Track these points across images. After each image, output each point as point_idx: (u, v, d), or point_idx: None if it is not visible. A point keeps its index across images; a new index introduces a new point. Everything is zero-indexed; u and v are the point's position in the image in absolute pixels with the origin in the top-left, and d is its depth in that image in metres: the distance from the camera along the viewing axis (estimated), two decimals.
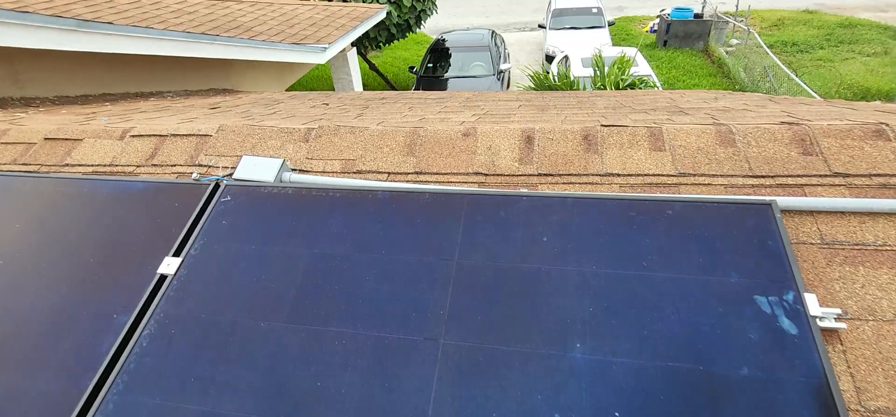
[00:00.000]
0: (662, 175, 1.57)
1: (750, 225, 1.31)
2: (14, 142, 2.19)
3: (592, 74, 6.60)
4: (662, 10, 14.75)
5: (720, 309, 1.18)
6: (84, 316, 1.39)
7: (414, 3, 11.07)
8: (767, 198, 1.36)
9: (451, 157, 1.76)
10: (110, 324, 1.36)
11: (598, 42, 11.05)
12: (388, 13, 10.39)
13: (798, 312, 1.15)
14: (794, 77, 9.73)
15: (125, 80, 5.43)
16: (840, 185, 1.45)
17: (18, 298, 1.47)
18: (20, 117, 2.89)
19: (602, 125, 1.74)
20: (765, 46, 11.00)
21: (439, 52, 12.05)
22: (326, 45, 7.20)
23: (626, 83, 5.81)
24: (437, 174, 1.73)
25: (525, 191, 1.57)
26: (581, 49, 10.84)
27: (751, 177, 1.51)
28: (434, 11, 12.37)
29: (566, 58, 10.47)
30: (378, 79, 13.30)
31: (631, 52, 7.14)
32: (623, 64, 6.04)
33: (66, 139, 2.15)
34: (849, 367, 1.14)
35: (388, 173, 1.77)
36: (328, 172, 1.81)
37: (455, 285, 1.32)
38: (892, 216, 1.35)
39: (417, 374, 1.17)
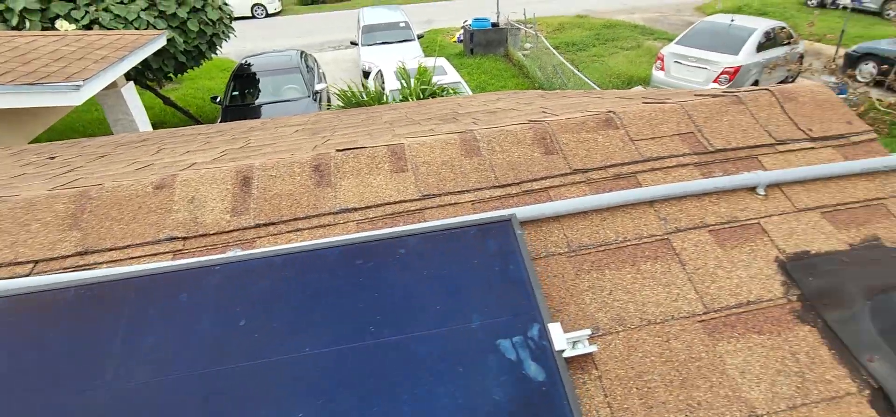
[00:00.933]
0: (405, 201, 1.31)
1: (491, 250, 1.10)
2: None
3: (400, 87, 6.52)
4: (465, 21, 15.77)
5: (461, 369, 0.93)
6: None
7: (201, 27, 9.86)
8: (507, 212, 1.18)
9: (134, 223, 1.27)
10: None
11: (411, 55, 11.23)
12: (170, 40, 9.06)
13: (544, 349, 0.95)
14: (576, 72, 11.13)
15: None
16: (581, 183, 1.35)
17: None
18: None
19: (337, 150, 1.43)
20: (551, 48, 12.43)
21: (246, 79, 11.01)
22: (80, 83, 5.84)
23: (428, 92, 5.82)
24: (112, 250, 1.22)
25: (231, 253, 1.16)
26: (394, 63, 10.88)
27: (497, 187, 1.34)
28: (231, 35, 11.23)
29: (380, 72, 10.39)
30: (178, 115, 11.61)
31: (430, 61, 7.28)
32: (423, 74, 6.05)
33: None
34: (606, 396, 0.99)
35: (35, 262, 1.20)
36: None
37: None
38: (627, 208, 1.29)
39: None
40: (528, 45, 14.76)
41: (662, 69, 9.93)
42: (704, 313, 1.10)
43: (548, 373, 0.92)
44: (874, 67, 10.35)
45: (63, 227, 1.26)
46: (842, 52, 11.33)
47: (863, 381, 1.00)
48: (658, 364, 1.03)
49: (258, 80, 11.07)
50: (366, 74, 12.16)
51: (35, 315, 1.01)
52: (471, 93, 9.71)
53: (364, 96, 6.48)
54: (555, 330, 0.97)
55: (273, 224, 1.27)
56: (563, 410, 0.88)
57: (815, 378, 1.01)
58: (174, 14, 9.57)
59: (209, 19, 10.24)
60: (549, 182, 1.35)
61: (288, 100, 10.55)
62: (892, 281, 1.11)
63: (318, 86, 10.86)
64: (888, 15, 14.71)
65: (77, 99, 5.86)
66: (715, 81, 9.08)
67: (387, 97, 6.89)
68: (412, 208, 1.30)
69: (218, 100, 10.81)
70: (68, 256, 1.21)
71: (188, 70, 10.30)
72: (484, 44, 14.70)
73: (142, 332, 0.98)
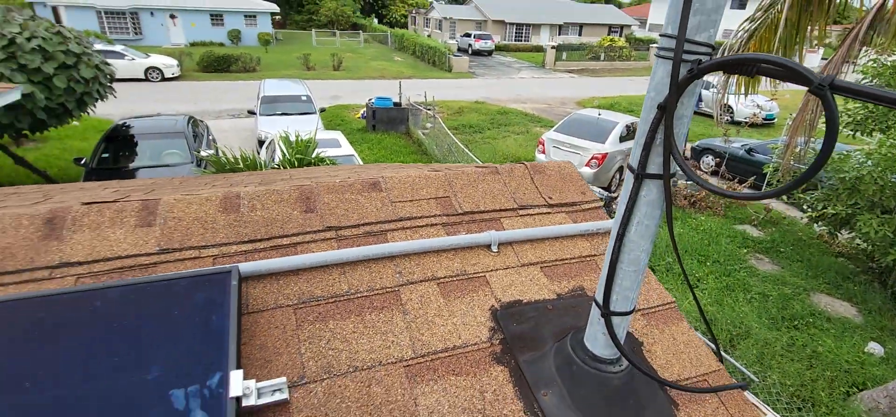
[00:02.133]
0: (141, 255, 1.28)
1: (199, 303, 1.10)
2: None
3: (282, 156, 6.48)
4: (369, 99, 16.31)
5: None
6: None
7: (71, 84, 9.16)
8: (228, 267, 1.20)
9: None
10: None
11: (309, 128, 11.25)
12: (29, 95, 8.28)
13: (218, 397, 0.95)
14: (467, 151, 11.89)
15: None
16: (331, 239, 1.42)
17: None
18: None
19: (82, 203, 1.37)
20: (447, 129, 13.23)
21: (121, 141, 10.25)
22: None
23: (306, 162, 5.84)
24: None
25: None
26: (291, 134, 10.82)
27: (246, 242, 1.36)
28: (111, 95, 10.53)
29: (273, 141, 10.26)
30: (32, 177, 10.37)
31: (327, 134, 7.36)
32: (301, 144, 6.10)
33: None
34: None
35: None
36: None
37: None
38: (368, 262, 1.37)
39: None
40: (428, 125, 15.52)
41: (543, 152, 10.92)
42: (412, 358, 1.18)
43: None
44: (713, 159, 12.26)
45: None
46: (688, 146, 13.33)
47: (534, 414, 1.11)
48: (354, 409, 1.06)
49: (136, 143, 10.37)
50: (261, 143, 11.96)
51: None
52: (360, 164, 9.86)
53: (239, 162, 6.32)
54: (234, 377, 0.98)
55: None
56: None
57: (494, 414, 1.10)
58: (38, 68, 8.83)
59: (81, 77, 9.56)
60: (301, 238, 1.40)
61: (167, 166, 9.95)
62: (578, 323, 1.28)
63: (204, 152, 10.41)
64: (722, 119, 17.72)
65: None
66: (586, 165, 10.16)
67: (268, 165, 6.78)
68: (147, 262, 1.27)
69: (83, 162, 9.89)
70: None
71: (49, 128, 9.39)
72: (386, 121, 15.22)
73: None
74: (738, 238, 8.75)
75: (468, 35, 38.29)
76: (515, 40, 42.67)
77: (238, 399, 0.96)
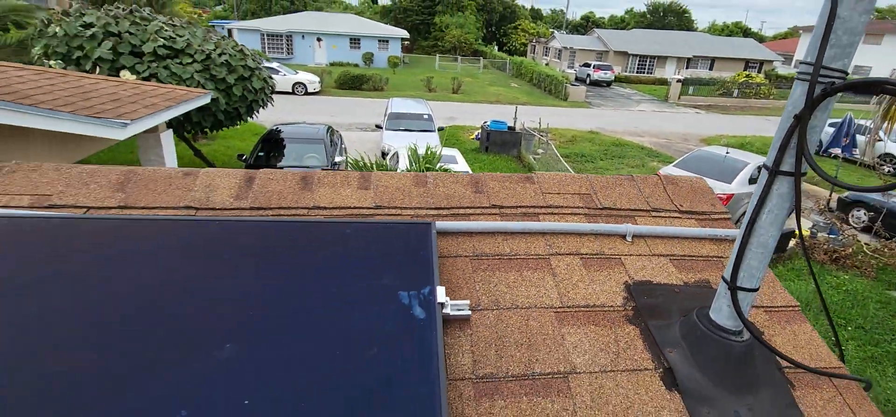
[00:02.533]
0: (363, 207, 1.77)
1: (412, 241, 1.54)
2: None
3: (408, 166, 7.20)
4: (484, 121, 16.99)
5: (372, 305, 1.33)
6: None
7: (245, 92, 10.99)
8: (428, 221, 1.63)
9: (164, 193, 1.75)
10: None
11: (430, 144, 12.14)
12: (214, 100, 10.11)
13: (430, 302, 1.35)
14: None
15: None
16: (495, 214, 1.80)
17: None
18: None
19: (322, 168, 1.92)
20: (559, 156, 13.37)
21: (273, 143, 11.97)
22: (127, 122, 6.67)
23: (431, 171, 6.48)
24: (145, 208, 1.69)
25: (210, 217, 1.62)
26: (417, 148, 11.78)
27: (433, 209, 1.80)
28: (270, 104, 12.41)
29: (396, 154, 11.25)
30: (204, 167, 12.51)
31: (445, 151, 7.99)
32: (428, 155, 6.74)
33: None
34: (472, 345, 1.37)
35: (87, 208, 1.67)
36: (11, 206, 1.63)
37: (113, 299, 1.26)
38: (524, 234, 1.72)
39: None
40: (540, 151, 15.73)
41: None
42: (560, 307, 1.50)
43: (428, 315, 1.32)
44: (865, 214, 10.81)
45: (112, 189, 1.75)
46: (834, 196, 11.88)
47: (659, 363, 1.36)
48: (515, 333, 1.41)
49: (285, 145, 12.00)
50: (384, 154, 13.10)
51: (85, 237, 1.47)
52: None
53: (373, 167, 7.15)
54: (439, 290, 1.38)
55: (263, 209, 1.74)
56: (433, 339, 1.27)
57: (626, 357, 1.37)
58: (223, 79, 10.70)
59: (253, 87, 11.41)
60: (473, 210, 1.81)
61: (307, 167, 11.35)
62: (702, 305, 1.50)
63: (337, 158, 11.72)
64: (882, 171, 15.44)
65: (121, 134, 6.65)
66: None
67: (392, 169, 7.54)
68: (367, 213, 1.75)
69: (243, 157, 11.70)
70: (112, 208, 1.68)
71: (224, 128, 11.31)
72: (499, 144, 15.72)
73: (157, 251, 1.41)
74: (893, 304, 7.66)
75: (587, 65, 37.83)
76: (637, 72, 41.12)
77: (441, 305, 1.36)
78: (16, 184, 1.72)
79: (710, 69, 40.46)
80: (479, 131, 16.92)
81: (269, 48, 32.88)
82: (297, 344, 1.22)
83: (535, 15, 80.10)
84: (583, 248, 1.70)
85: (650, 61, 41.05)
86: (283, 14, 42.93)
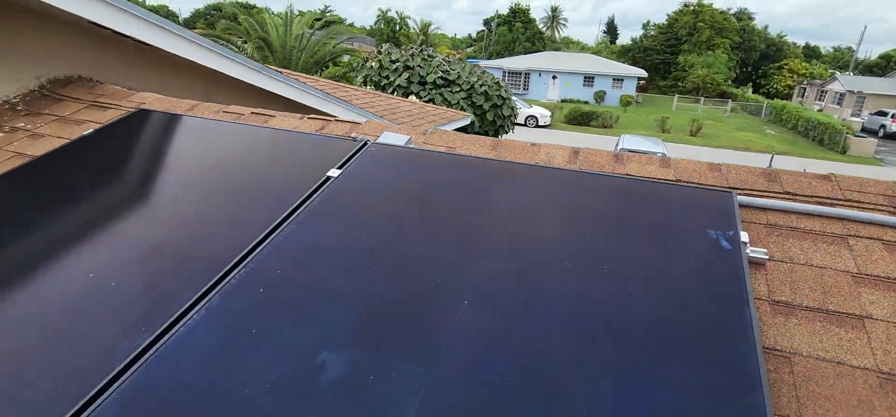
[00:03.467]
0: (666, 180, 2.29)
1: (714, 200, 1.99)
2: (232, 112, 3.31)
3: None
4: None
5: (686, 237, 1.84)
6: (290, 183, 2.29)
7: (495, 118, 12.63)
8: (729, 189, 2.04)
9: (520, 154, 2.59)
10: (301, 190, 2.23)
11: None
12: (471, 122, 11.95)
13: (734, 239, 1.78)
14: None
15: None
16: (787, 199, 2.09)
17: (266, 180, 2.41)
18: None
19: (629, 151, 2.51)
20: None
21: None
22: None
23: None
24: (509, 161, 2.55)
25: (555, 167, 2.34)
26: None
27: (726, 189, 2.19)
28: (511, 130, 13.92)
29: None
30: None
31: None
32: None
33: (264, 114, 3.24)
34: (767, 281, 1.74)
35: (475, 157, 2.62)
36: (436, 149, 2.69)
37: (487, 216, 2.08)
38: (820, 217, 1.97)
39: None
40: None
41: None
42: (856, 273, 1.73)
43: (733, 247, 1.75)
44: None
45: (489, 148, 2.67)
46: None
47: None
48: (809, 281, 1.71)
49: None
50: None
51: (482, 167, 2.36)
52: None
53: None
54: (744, 235, 1.79)
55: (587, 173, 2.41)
56: (738, 260, 1.69)
57: None
58: (480, 105, 12.51)
59: (502, 115, 13.01)
60: (765, 194, 2.13)
61: None
62: None
63: None
64: None
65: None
66: None
67: None
68: (670, 184, 2.26)
69: None
70: (490, 157, 2.59)
71: None
72: None
73: (521, 182, 2.21)
74: None
75: (883, 113, 30.06)
76: None
77: (745, 244, 1.77)
78: (434, 139, 2.80)
79: None
80: None
81: (508, 84, 36.54)
82: (637, 256, 1.81)
83: (811, 53, 67.22)
84: (885, 236, 1.86)
85: None
86: (524, 54, 46.70)
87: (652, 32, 57.91)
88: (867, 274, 1.72)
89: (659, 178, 2.30)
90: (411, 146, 2.68)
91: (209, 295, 1.68)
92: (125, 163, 2.62)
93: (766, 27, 58.40)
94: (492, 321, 1.54)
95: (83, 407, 1.35)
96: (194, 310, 1.63)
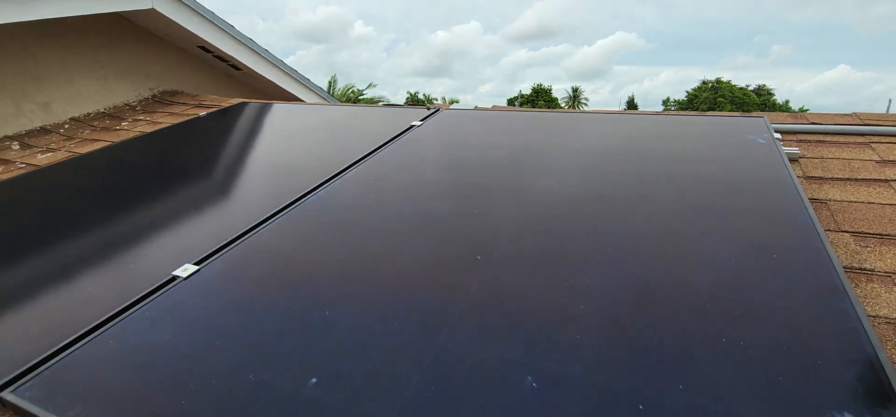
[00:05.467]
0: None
1: (751, 121, 2.33)
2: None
3: None
4: None
5: (732, 141, 2.18)
6: (382, 131, 2.73)
7: None
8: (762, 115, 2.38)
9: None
10: (391, 133, 2.67)
11: None
12: None
13: (769, 138, 2.10)
14: None
15: None
16: (816, 123, 2.41)
17: (363, 130, 2.88)
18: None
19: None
20: None
21: None
22: None
23: None
24: None
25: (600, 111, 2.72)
26: None
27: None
28: None
29: None
30: None
31: None
32: None
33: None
34: (801, 168, 2.03)
35: (530, 111, 3.03)
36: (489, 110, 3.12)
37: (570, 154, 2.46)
38: (841, 133, 2.28)
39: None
40: None
41: None
42: (879, 160, 2.01)
43: (768, 143, 2.07)
44: None
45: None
46: None
47: None
48: (837, 166, 2.00)
49: None
50: None
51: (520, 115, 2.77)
52: None
53: None
54: (777, 136, 2.12)
55: None
56: (775, 148, 2.01)
57: None
58: None
59: None
60: (797, 122, 2.46)
61: None
62: None
63: None
64: None
65: None
66: None
67: None
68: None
69: None
70: None
71: None
72: None
73: (596, 124, 2.59)
74: None
75: None
76: None
77: (778, 139, 2.08)
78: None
79: None
80: None
81: None
82: (697, 152, 2.15)
83: None
84: None
85: None
86: None
87: (673, 108, 59.32)
88: (890, 160, 2.01)
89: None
90: (473, 107, 3.13)
91: (335, 179, 2.10)
92: (244, 127, 3.13)
93: (787, 101, 59.19)
94: (569, 209, 1.88)
95: (262, 222, 1.74)
96: (325, 185, 2.04)
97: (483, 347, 1.11)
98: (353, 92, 21.01)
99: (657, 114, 2.63)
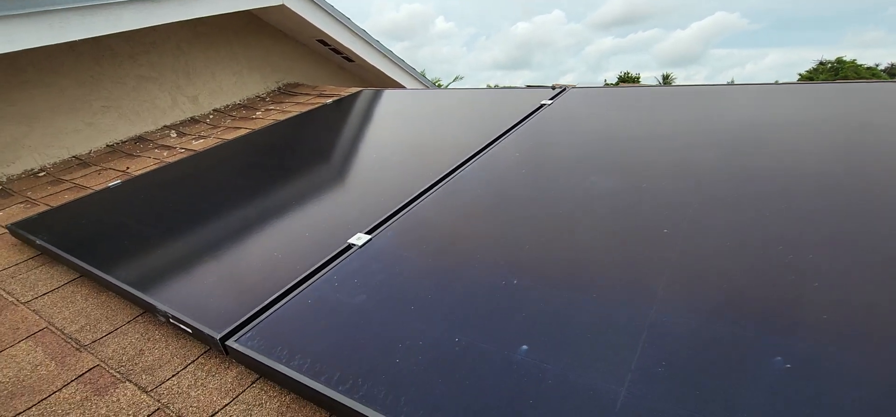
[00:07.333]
0: None
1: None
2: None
3: None
4: None
5: None
6: (513, 112, 2.69)
7: None
8: None
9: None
10: (523, 113, 2.61)
11: None
12: None
13: None
14: None
15: None
16: None
17: (496, 110, 2.87)
18: None
19: None
20: None
21: None
22: None
23: None
24: None
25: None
26: None
27: None
28: None
29: None
30: None
31: None
32: None
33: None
34: None
35: (658, 87, 2.82)
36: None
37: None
38: None
39: None
40: None
41: None
42: None
43: None
44: None
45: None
46: None
47: None
48: None
49: None
50: None
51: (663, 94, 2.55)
52: None
53: None
54: None
55: None
56: None
57: None
58: None
59: None
60: None
61: None
62: None
63: None
64: None
65: None
66: None
67: None
68: None
69: None
70: None
71: None
72: None
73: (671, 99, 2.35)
74: None
75: None
76: None
77: None
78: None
79: None
80: None
81: None
82: None
83: None
84: None
85: None
86: None
87: None
88: None
89: None
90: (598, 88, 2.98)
91: (479, 155, 2.09)
92: (371, 112, 3.25)
93: None
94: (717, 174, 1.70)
95: (419, 196, 1.77)
96: (471, 162, 2.03)
97: (708, 323, 1.01)
98: (438, 86, 21.22)
99: (824, 83, 2.32)
